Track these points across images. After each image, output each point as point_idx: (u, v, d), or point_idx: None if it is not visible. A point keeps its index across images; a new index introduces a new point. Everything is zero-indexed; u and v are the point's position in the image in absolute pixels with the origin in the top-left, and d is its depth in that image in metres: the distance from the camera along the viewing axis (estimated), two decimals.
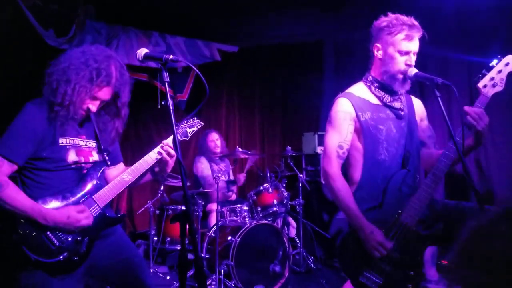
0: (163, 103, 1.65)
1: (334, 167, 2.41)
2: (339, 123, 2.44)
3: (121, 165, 2.60)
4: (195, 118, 2.57)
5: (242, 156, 5.07)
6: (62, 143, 2.21)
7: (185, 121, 2.54)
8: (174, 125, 1.63)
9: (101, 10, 5.32)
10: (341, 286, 4.08)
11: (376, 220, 2.32)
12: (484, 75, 2.29)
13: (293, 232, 5.30)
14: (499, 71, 2.29)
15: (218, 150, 5.55)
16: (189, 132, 2.55)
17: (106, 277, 2.45)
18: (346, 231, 2.39)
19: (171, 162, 2.40)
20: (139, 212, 5.33)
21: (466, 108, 2.22)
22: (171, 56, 1.73)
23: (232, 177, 5.86)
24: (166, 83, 1.71)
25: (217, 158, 5.62)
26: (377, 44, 2.48)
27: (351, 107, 2.44)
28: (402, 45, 2.38)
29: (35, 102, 2.21)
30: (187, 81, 6.33)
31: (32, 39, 4.66)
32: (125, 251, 2.45)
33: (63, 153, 2.21)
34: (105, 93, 2.25)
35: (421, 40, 2.44)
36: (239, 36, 6.33)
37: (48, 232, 2.11)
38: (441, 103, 2.13)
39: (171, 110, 1.65)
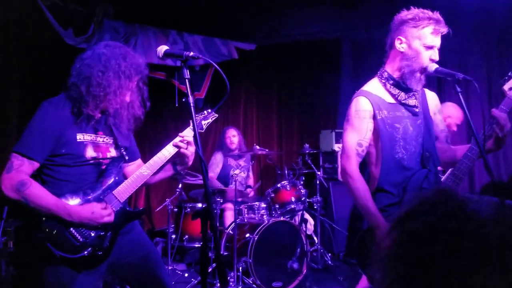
0: (183, 100, 1.65)
1: (353, 166, 2.38)
2: (359, 121, 2.40)
3: (139, 161, 2.62)
4: (209, 110, 2.56)
5: (260, 153, 5.07)
6: (80, 139, 2.23)
7: (199, 113, 2.53)
8: (195, 123, 1.63)
9: (119, 9, 5.37)
10: (357, 282, 4.09)
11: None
12: (510, 78, 2.26)
13: (310, 229, 5.29)
14: None
15: (234, 146, 5.60)
16: (204, 124, 2.53)
17: (125, 273, 2.47)
18: (364, 229, 2.37)
19: (191, 154, 2.39)
20: (158, 210, 5.37)
21: (496, 113, 2.20)
22: (191, 53, 1.73)
23: (251, 174, 5.88)
24: (186, 80, 1.71)
25: (235, 154, 5.65)
26: (400, 37, 2.38)
27: (370, 106, 2.40)
28: (429, 39, 2.32)
29: (51, 100, 2.24)
30: (205, 79, 6.35)
31: (51, 38, 4.71)
32: (144, 248, 2.47)
33: (81, 149, 2.23)
34: (127, 88, 2.30)
35: (443, 36, 2.40)
36: (257, 34, 6.33)
37: (71, 229, 2.13)
38: (462, 99, 2.10)
39: (192, 107, 1.65)
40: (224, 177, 5.49)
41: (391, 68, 2.47)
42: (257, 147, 5.03)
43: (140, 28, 5.46)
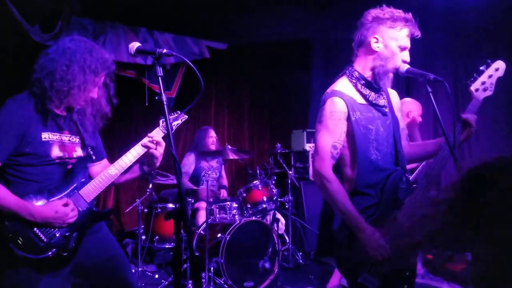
0: (156, 98, 1.62)
1: (328, 168, 2.33)
2: (334, 123, 2.35)
3: (105, 161, 2.57)
4: (179, 112, 2.52)
5: (232, 157, 5.05)
6: (45, 138, 2.18)
7: (170, 114, 2.49)
8: (168, 121, 1.61)
9: (87, 6, 5.26)
10: (328, 281, 4.13)
11: (375, 218, 2.30)
12: (475, 79, 2.33)
13: (282, 229, 5.31)
14: (490, 76, 2.34)
15: (213, 147, 5.59)
16: (174, 125, 2.51)
17: (91, 275, 2.42)
18: (346, 232, 2.34)
19: (159, 155, 2.36)
20: (127, 210, 5.28)
21: (469, 117, 2.30)
22: (164, 50, 1.69)
23: (223, 174, 5.85)
24: (159, 78, 1.67)
25: (209, 155, 5.62)
26: (377, 36, 2.33)
27: (345, 107, 2.34)
28: (405, 41, 2.32)
29: (15, 98, 2.17)
30: (176, 78, 6.28)
31: (17, 35, 4.58)
32: (110, 250, 2.43)
33: (46, 148, 2.18)
34: (101, 80, 2.27)
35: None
36: (229, 33, 6.30)
37: (35, 229, 2.08)
38: (433, 99, 2.13)
39: (165, 105, 1.62)
40: (196, 178, 5.45)
41: (361, 67, 2.41)
42: (229, 147, 5.00)
43: (109, 25, 5.36)
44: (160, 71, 1.70)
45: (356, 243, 2.28)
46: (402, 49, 2.33)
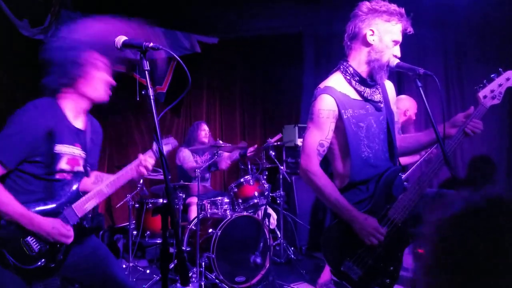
0: (143, 92, 1.60)
1: (315, 164, 2.34)
2: (322, 121, 2.34)
3: (94, 172, 2.54)
4: (170, 136, 2.61)
5: (226, 151, 5.04)
6: (57, 150, 2.18)
7: (163, 139, 2.55)
8: (155, 115, 1.59)
9: (78, 0, 5.20)
10: (320, 276, 4.14)
11: (367, 211, 2.31)
12: (485, 86, 2.34)
13: (273, 224, 5.31)
14: (500, 85, 2.35)
15: (206, 141, 5.58)
16: (164, 149, 2.50)
17: (79, 280, 2.41)
18: (332, 222, 2.37)
19: (147, 174, 2.42)
20: (118, 206, 5.26)
21: (475, 124, 2.32)
22: (151, 44, 1.66)
23: (223, 161, 5.82)
24: (146, 72, 1.65)
25: (201, 150, 5.60)
26: (372, 29, 2.30)
27: (334, 105, 2.32)
28: (398, 36, 2.32)
29: (37, 103, 2.16)
30: (166, 73, 6.24)
31: (4, 29, 4.52)
32: (97, 254, 2.42)
33: (56, 160, 2.18)
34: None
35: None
36: (220, 27, 6.28)
37: (28, 238, 2.07)
38: (423, 94, 2.13)
39: (152, 100, 1.59)
40: (188, 173, 5.43)
41: (356, 62, 2.38)
42: (221, 142, 4.98)
43: None
44: (146, 65, 1.67)
45: (340, 232, 2.31)
46: (395, 43, 2.33)
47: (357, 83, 2.38)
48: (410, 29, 2.35)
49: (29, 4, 4.70)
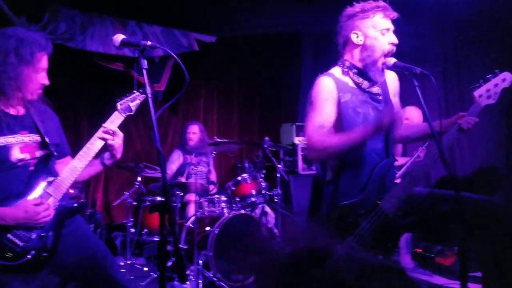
0: (140, 90, 1.61)
1: (318, 136, 2.36)
2: (321, 104, 2.37)
3: (68, 158, 2.46)
4: (135, 91, 2.35)
5: (217, 151, 5.06)
6: (1, 143, 2.12)
7: (128, 95, 2.37)
8: (152, 113, 1.60)
9: None
10: None
11: (357, 203, 2.34)
12: (481, 85, 2.42)
13: (271, 222, 5.31)
14: (496, 85, 2.42)
15: (192, 143, 5.58)
16: (132, 106, 2.36)
17: (74, 274, 2.38)
18: (323, 211, 2.40)
19: (118, 146, 2.28)
20: (116, 203, 5.27)
21: (469, 119, 2.37)
22: (149, 42, 1.67)
23: (212, 169, 5.85)
24: (144, 70, 1.66)
25: (196, 150, 5.63)
26: (355, 32, 2.43)
27: (333, 87, 2.38)
28: (383, 24, 2.38)
29: None
30: (164, 71, 6.23)
31: (3, 25, 4.51)
32: (91, 247, 2.37)
33: (4, 153, 2.12)
34: (43, 62, 2.21)
35: (399, 32, 2.45)
36: (218, 26, 6.27)
37: (8, 235, 2.03)
38: (419, 93, 2.16)
39: (150, 98, 1.60)
40: (184, 172, 5.44)
41: (351, 59, 2.48)
42: (217, 139, 4.99)
43: (97, 17, 5.31)
44: (144, 64, 1.68)
45: (331, 221, 2.35)
46: (385, 31, 2.39)
47: (355, 75, 2.46)
48: (392, 14, 2.41)
49: (27, 1, 4.70)
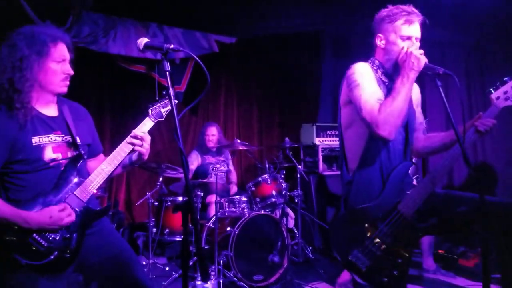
0: (163, 93, 1.63)
1: (376, 112, 2.31)
2: (366, 80, 2.42)
3: (101, 156, 2.55)
4: (167, 98, 2.36)
5: (240, 148, 5.08)
6: (35, 142, 2.16)
7: (160, 101, 2.46)
8: (175, 114, 1.62)
9: (99, 1, 5.28)
10: (339, 275, 4.14)
11: (375, 207, 2.34)
12: (498, 87, 2.40)
13: (291, 223, 5.32)
14: None
15: (211, 144, 5.65)
16: (164, 112, 2.45)
17: (97, 274, 2.40)
18: (341, 212, 2.42)
19: (145, 151, 2.35)
20: (138, 203, 5.33)
21: (486, 121, 2.36)
22: (171, 46, 1.70)
23: (232, 168, 5.89)
24: (167, 73, 1.69)
25: (214, 150, 5.68)
26: (379, 35, 2.51)
27: (371, 70, 2.50)
28: (403, 30, 2.41)
29: (0, 106, 2.15)
30: (185, 72, 6.28)
31: None
32: (115, 247, 2.41)
33: (38, 152, 2.16)
34: (60, 51, 2.24)
35: (423, 27, 2.47)
36: (238, 27, 6.29)
37: (34, 235, 2.07)
38: (442, 93, 2.15)
39: (173, 100, 1.63)
40: (204, 173, 5.48)
41: (380, 59, 2.57)
42: (238, 141, 5.02)
43: (119, 20, 5.38)
44: (167, 66, 1.71)
45: (348, 222, 2.36)
46: (405, 38, 2.41)
47: (382, 74, 2.54)
48: (416, 19, 2.43)
49: (51, 5, 4.79)
